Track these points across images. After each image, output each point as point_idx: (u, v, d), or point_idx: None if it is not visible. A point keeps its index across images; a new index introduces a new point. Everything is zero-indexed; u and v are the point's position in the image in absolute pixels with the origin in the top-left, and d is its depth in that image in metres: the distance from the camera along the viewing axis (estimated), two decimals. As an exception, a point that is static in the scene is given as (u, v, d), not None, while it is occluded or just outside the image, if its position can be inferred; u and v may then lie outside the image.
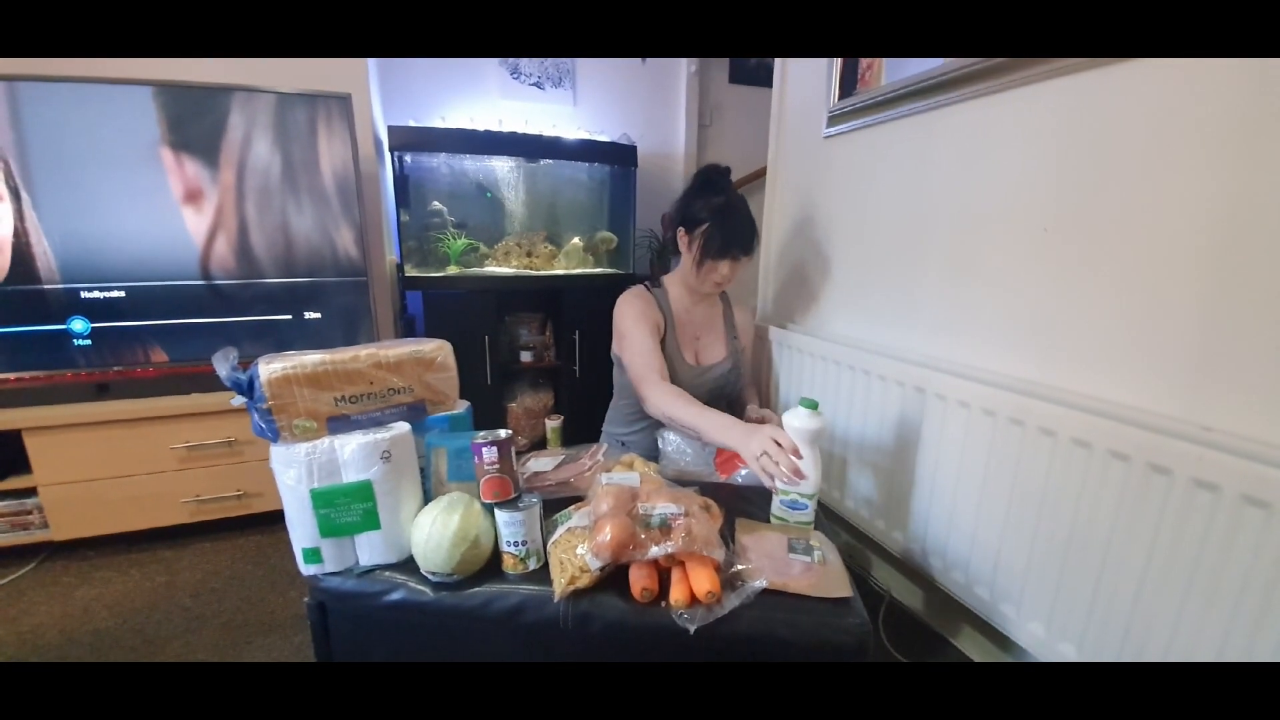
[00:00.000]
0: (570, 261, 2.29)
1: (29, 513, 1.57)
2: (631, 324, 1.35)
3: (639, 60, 2.53)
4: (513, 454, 0.86)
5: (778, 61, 1.76)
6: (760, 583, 0.78)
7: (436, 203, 2.16)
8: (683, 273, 1.42)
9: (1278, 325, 0.73)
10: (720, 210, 1.31)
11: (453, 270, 2.12)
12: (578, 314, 2.20)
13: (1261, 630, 0.72)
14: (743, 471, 1.18)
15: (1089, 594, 0.91)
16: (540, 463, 1.10)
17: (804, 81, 1.64)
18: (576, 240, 2.32)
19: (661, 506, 0.82)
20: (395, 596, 0.82)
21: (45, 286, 1.52)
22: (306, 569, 0.85)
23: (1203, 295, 0.80)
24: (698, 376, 1.41)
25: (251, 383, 0.79)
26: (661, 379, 1.28)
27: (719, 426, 1.11)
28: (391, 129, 1.99)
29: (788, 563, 0.85)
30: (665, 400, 1.22)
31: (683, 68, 2.59)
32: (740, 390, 1.54)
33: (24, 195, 1.47)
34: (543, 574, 0.82)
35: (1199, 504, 0.76)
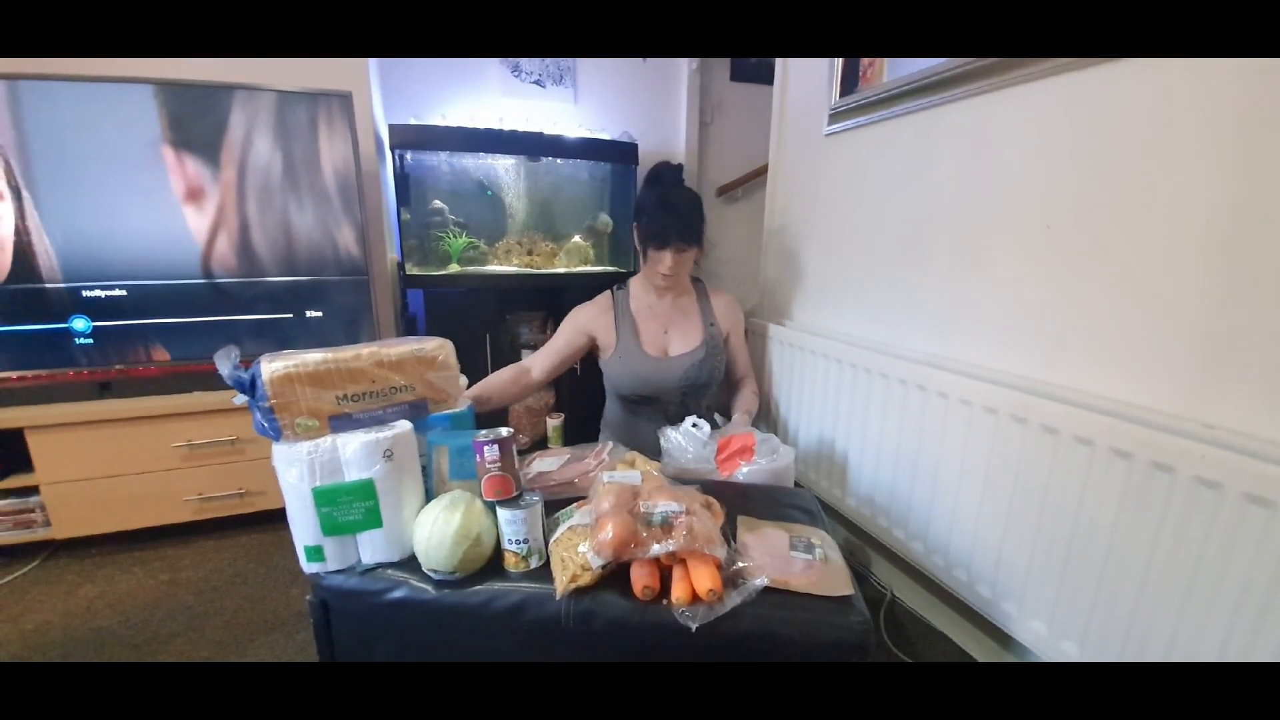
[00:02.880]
0: (571, 260, 2.29)
1: (31, 511, 1.57)
2: (563, 323, 1.49)
3: (640, 58, 2.53)
4: (514, 452, 0.86)
5: (779, 59, 1.76)
6: (762, 580, 0.78)
7: (437, 201, 2.15)
8: (642, 268, 1.47)
9: (1281, 323, 0.73)
10: (659, 201, 1.34)
11: (454, 269, 2.12)
12: (579, 312, 2.20)
13: (1264, 628, 0.72)
14: (744, 469, 1.18)
15: (1091, 592, 0.91)
16: (545, 462, 1.10)
17: (805, 79, 1.63)
18: (577, 238, 2.32)
19: (663, 504, 0.82)
20: (397, 594, 0.82)
21: (47, 285, 1.52)
22: (309, 567, 0.85)
23: (1206, 292, 0.80)
24: (663, 368, 1.43)
25: (253, 381, 0.79)
26: (513, 372, 1.41)
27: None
28: (392, 127, 1.99)
29: (789, 560, 0.85)
30: (501, 374, 1.40)
31: (684, 65, 2.58)
32: (722, 377, 1.54)
33: (25, 194, 1.46)
34: (544, 572, 0.82)
35: (1201, 502, 0.76)
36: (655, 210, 1.35)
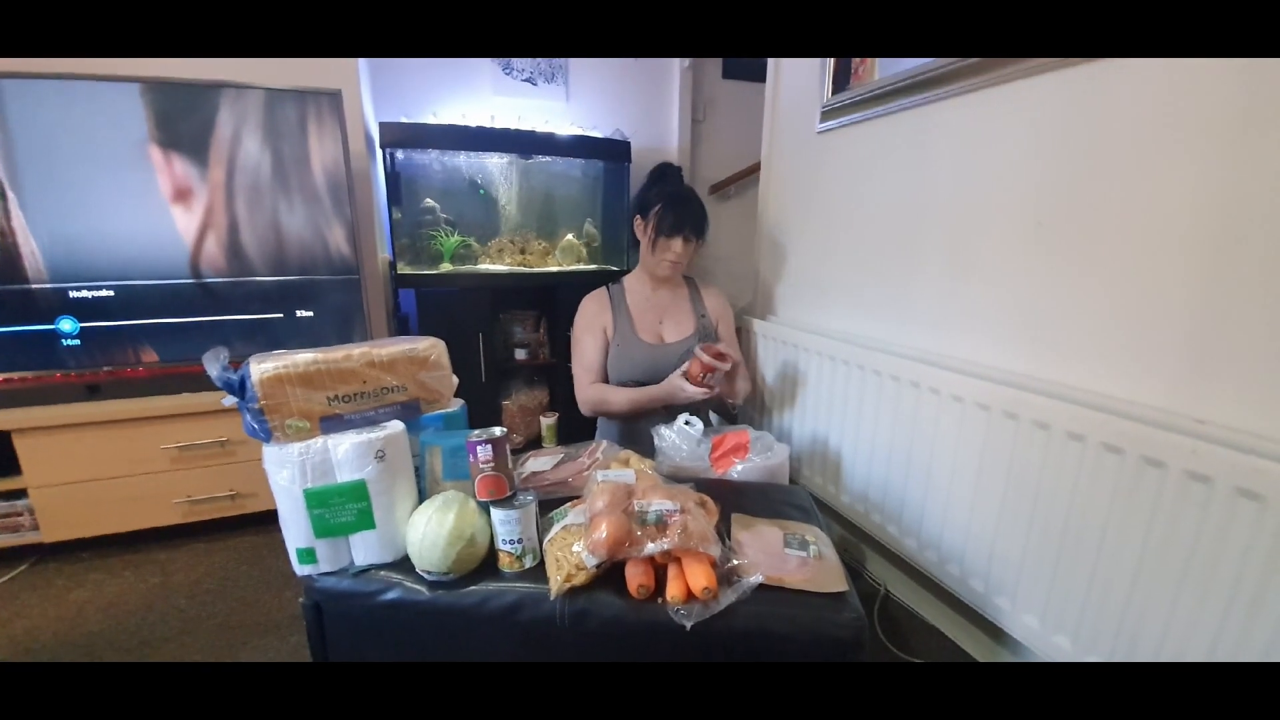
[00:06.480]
0: (564, 258, 2.28)
1: (19, 515, 1.55)
2: (578, 334, 1.55)
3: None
4: (508, 452, 0.86)
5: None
6: (756, 578, 0.78)
7: (429, 200, 2.14)
8: (641, 260, 1.56)
9: (1270, 317, 0.73)
10: (672, 195, 1.46)
11: (446, 268, 2.11)
12: (572, 311, 2.16)
13: (1255, 621, 0.72)
14: (738, 466, 1.18)
15: (1084, 586, 0.92)
16: (538, 462, 1.10)
17: (797, 77, 1.63)
18: (570, 237, 2.31)
19: (657, 503, 0.82)
20: (391, 596, 0.82)
21: (33, 286, 1.50)
22: (301, 569, 0.84)
23: (1196, 288, 0.81)
24: (661, 353, 1.50)
25: (243, 382, 0.78)
26: (591, 383, 1.51)
27: (651, 389, 1.42)
28: (383, 125, 1.97)
29: (783, 558, 0.85)
30: (592, 397, 1.49)
31: (675, 63, 2.57)
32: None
33: (10, 194, 1.44)
34: (539, 572, 0.82)
35: (1192, 496, 0.77)
36: (669, 204, 1.44)
